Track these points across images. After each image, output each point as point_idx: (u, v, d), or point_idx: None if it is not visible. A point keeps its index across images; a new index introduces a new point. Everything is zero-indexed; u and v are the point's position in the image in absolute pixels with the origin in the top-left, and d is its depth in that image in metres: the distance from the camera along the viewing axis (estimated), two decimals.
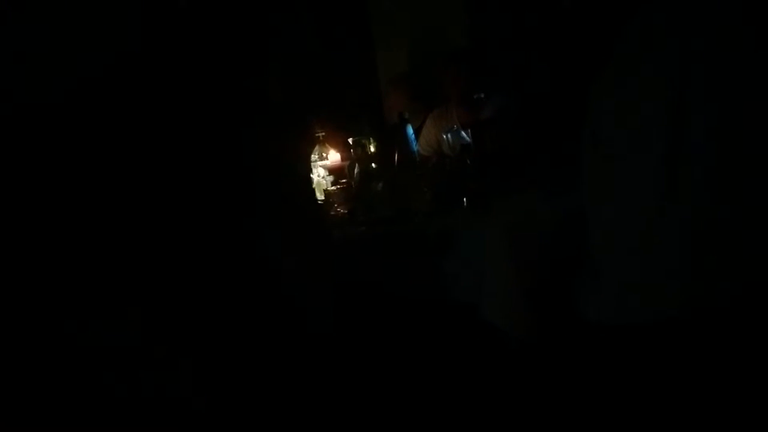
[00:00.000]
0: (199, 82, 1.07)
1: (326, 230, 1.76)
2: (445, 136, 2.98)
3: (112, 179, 0.98)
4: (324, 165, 2.72)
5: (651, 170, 1.32)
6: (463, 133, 2.72)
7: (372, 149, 2.63)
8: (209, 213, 1.04)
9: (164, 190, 1.01)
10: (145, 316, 0.99)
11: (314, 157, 2.75)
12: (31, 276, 0.96)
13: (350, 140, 2.70)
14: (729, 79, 1.28)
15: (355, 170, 2.63)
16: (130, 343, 0.99)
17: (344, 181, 2.62)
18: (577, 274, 1.59)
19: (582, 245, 1.54)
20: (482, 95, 3.10)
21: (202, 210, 1.04)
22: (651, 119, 1.33)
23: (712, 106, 1.28)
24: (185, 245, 1.02)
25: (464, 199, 2.31)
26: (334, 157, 2.73)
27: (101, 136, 0.98)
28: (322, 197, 2.59)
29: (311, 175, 2.67)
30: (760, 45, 1.27)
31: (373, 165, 2.59)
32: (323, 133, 2.79)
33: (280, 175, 1.16)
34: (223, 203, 1.05)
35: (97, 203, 0.98)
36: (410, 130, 2.56)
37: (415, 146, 2.62)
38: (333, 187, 2.60)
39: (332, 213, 2.49)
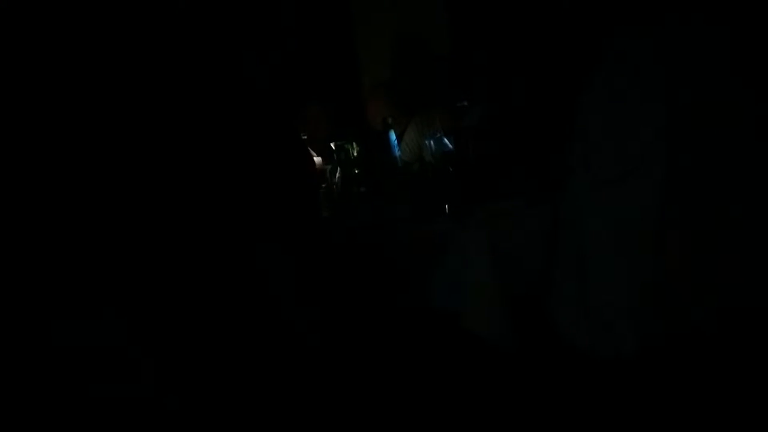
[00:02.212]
0: (198, 86, 1.07)
1: (320, 242, 1.76)
2: (427, 143, 2.99)
3: (104, 180, 0.97)
4: None
5: (648, 197, 1.32)
6: (446, 140, 2.73)
7: (355, 154, 2.62)
8: (202, 216, 1.03)
9: (158, 193, 1.00)
10: (133, 319, 0.98)
11: None
12: (16, 275, 0.95)
13: (333, 144, 2.69)
14: (719, 109, 1.28)
15: (337, 174, 2.62)
16: (115, 344, 0.97)
17: (325, 185, 2.61)
18: (560, 295, 1.59)
19: (565, 264, 1.54)
20: (465, 103, 3.10)
21: (195, 213, 1.03)
22: (645, 148, 1.32)
23: (702, 133, 1.28)
24: (177, 247, 1.01)
25: (446, 206, 2.31)
26: (315, 160, 2.72)
27: (95, 137, 0.97)
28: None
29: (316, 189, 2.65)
30: (747, 76, 1.28)
31: (356, 170, 2.58)
32: (305, 136, 2.78)
33: (277, 184, 1.15)
34: (217, 207, 1.04)
35: (90, 205, 0.96)
36: (393, 135, 2.56)
37: (397, 152, 2.61)
38: None
39: None
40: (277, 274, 1.10)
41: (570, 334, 1.53)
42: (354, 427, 1.48)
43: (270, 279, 1.10)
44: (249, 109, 1.12)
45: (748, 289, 1.29)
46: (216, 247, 1.04)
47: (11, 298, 0.94)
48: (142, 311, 1.00)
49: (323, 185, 2.60)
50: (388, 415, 1.98)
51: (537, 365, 1.94)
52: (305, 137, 2.78)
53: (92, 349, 0.98)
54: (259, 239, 1.08)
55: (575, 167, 1.50)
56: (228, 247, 1.06)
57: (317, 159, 2.73)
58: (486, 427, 2.01)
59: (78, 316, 0.96)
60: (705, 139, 1.29)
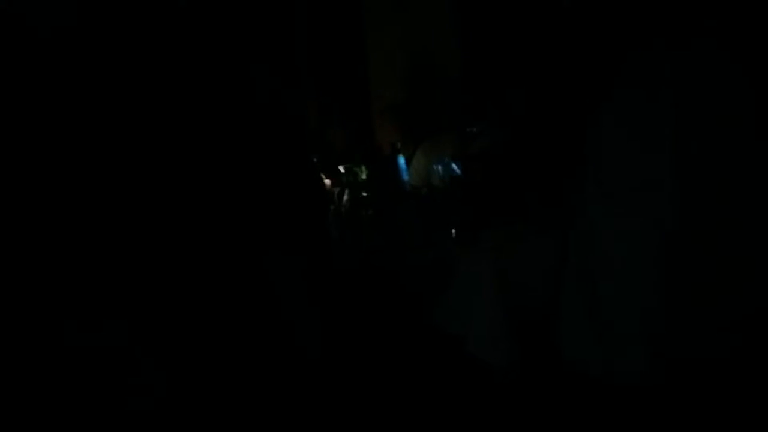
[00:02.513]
0: (203, 90, 1.08)
1: (327, 251, 1.76)
2: (435, 167, 3.00)
3: (107, 180, 0.98)
4: None
5: (660, 216, 1.32)
6: (454, 166, 2.74)
7: (363, 177, 2.64)
8: (209, 221, 1.04)
9: (166, 199, 1.01)
10: (139, 321, 0.98)
11: None
12: (23, 276, 0.95)
13: (341, 168, 2.71)
14: (727, 132, 1.29)
15: (345, 197, 2.64)
16: (121, 345, 0.98)
17: (333, 207, 2.63)
18: (570, 321, 1.57)
19: (575, 288, 1.53)
20: (474, 129, 3.12)
21: (202, 218, 1.03)
22: (656, 171, 1.33)
23: (713, 159, 1.29)
24: (184, 252, 1.01)
25: (453, 231, 2.32)
26: (324, 182, 2.74)
27: (107, 141, 0.98)
28: None
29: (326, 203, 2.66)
30: (758, 93, 1.29)
31: (364, 193, 2.60)
32: (315, 159, 2.79)
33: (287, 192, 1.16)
34: (223, 212, 1.05)
35: (93, 206, 0.97)
36: (402, 160, 2.58)
37: (406, 176, 2.63)
38: None
39: None
40: (283, 282, 1.11)
41: (580, 361, 1.52)
42: None
43: (276, 289, 1.10)
44: (255, 115, 1.13)
45: (760, 311, 1.28)
46: (222, 252, 1.05)
47: (20, 299, 0.95)
48: (148, 314, 1.00)
49: (332, 206, 2.61)
50: None
51: (543, 391, 1.93)
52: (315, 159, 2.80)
53: (99, 351, 0.98)
54: (265, 246, 1.08)
55: (587, 188, 1.50)
56: (234, 253, 1.06)
57: (326, 181, 2.74)
58: None
59: (87, 321, 0.97)
60: (717, 155, 1.29)
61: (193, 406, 1.03)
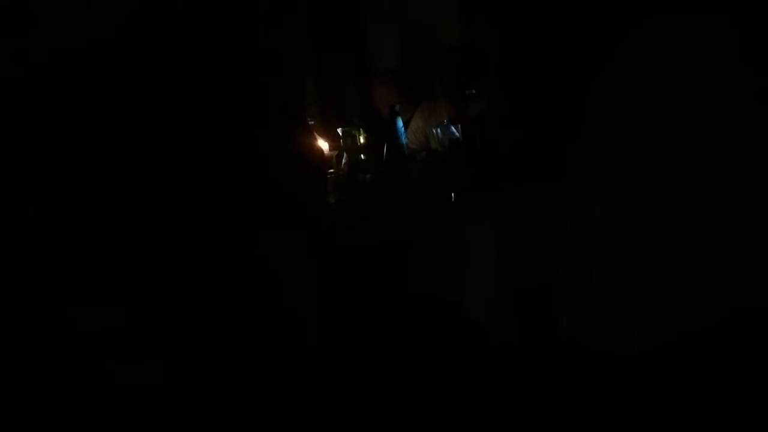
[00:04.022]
0: (202, 79, 1.06)
1: (321, 231, 1.75)
2: (434, 131, 2.97)
3: (110, 174, 0.97)
4: None
5: (653, 194, 1.31)
6: (453, 128, 2.72)
7: (361, 140, 2.61)
8: (205, 208, 1.03)
9: (162, 186, 1.00)
10: (136, 308, 0.98)
11: None
12: (25, 265, 0.95)
13: (340, 130, 2.68)
14: (727, 109, 1.27)
15: (343, 161, 2.61)
16: (121, 331, 0.98)
17: (331, 171, 2.60)
18: (565, 291, 1.58)
19: (569, 260, 1.53)
20: (473, 91, 3.09)
21: (198, 204, 1.02)
22: (652, 145, 1.31)
23: (712, 135, 1.27)
24: (179, 238, 1.00)
25: (452, 195, 2.30)
26: (322, 146, 2.71)
27: (101, 131, 0.97)
28: None
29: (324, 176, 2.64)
30: (758, 75, 1.26)
31: (362, 156, 2.57)
32: (312, 122, 2.76)
33: (281, 174, 1.14)
34: (219, 199, 1.04)
35: (95, 197, 0.96)
36: (400, 122, 2.55)
37: (404, 139, 2.60)
38: None
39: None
40: (279, 257, 1.10)
41: (575, 331, 1.52)
42: (352, 416, 1.48)
43: (271, 266, 1.09)
44: (250, 97, 1.11)
45: (751, 288, 1.28)
46: (216, 232, 1.04)
47: (22, 288, 0.95)
48: (145, 297, 1.00)
49: (331, 170, 2.59)
50: (384, 404, 1.98)
51: (539, 357, 1.94)
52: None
53: (99, 336, 0.98)
54: (259, 222, 1.07)
55: (582, 162, 1.49)
56: (228, 234, 1.05)
57: (324, 145, 2.72)
58: (487, 418, 2.01)
59: (86, 306, 0.97)
60: (713, 138, 1.28)
61: (191, 388, 1.03)
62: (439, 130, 2.88)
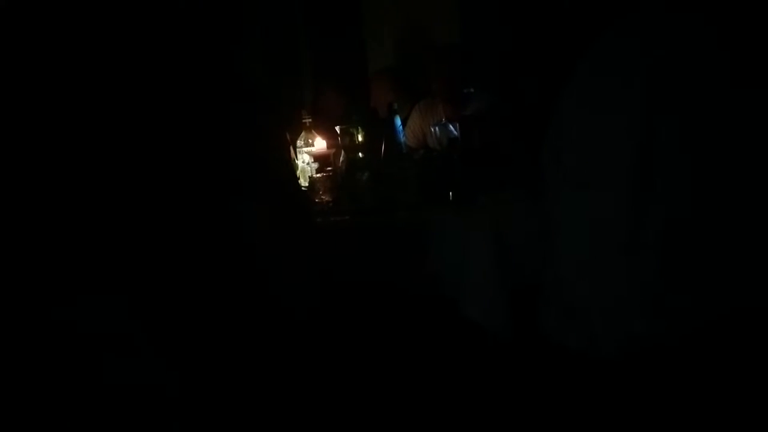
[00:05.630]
0: (184, 65, 1.06)
1: (309, 211, 1.74)
2: (432, 129, 2.98)
3: (96, 165, 0.97)
4: (309, 152, 2.70)
5: (619, 205, 1.30)
6: (451, 127, 2.72)
7: (360, 138, 2.61)
8: (191, 192, 1.02)
9: (146, 171, 0.99)
10: (128, 299, 0.98)
11: (300, 143, 2.73)
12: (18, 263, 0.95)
13: (338, 128, 2.68)
14: (699, 118, 1.26)
15: (341, 159, 2.61)
16: (113, 325, 0.98)
17: (329, 169, 2.60)
18: (546, 293, 1.57)
19: (548, 262, 1.52)
20: (471, 90, 3.09)
21: (183, 189, 1.02)
22: (617, 157, 1.30)
23: (681, 146, 1.26)
24: (165, 225, 1.00)
25: (450, 193, 2.31)
26: (320, 144, 2.71)
27: (84, 124, 0.97)
28: (306, 184, 2.57)
29: (295, 161, 2.65)
30: (734, 79, 1.26)
31: (360, 154, 2.57)
32: (310, 119, 2.76)
33: (263, 156, 1.14)
34: (204, 183, 1.03)
35: (79, 188, 0.96)
36: (398, 121, 2.55)
37: (402, 137, 2.61)
38: (318, 175, 2.58)
39: (316, 201, 2.47)
40: (254, 230, 1.09)
41: (556, 333, 1.51)
42: (345, 407, 1.48)
43: (246, 237, 1.08)
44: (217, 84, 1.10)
45: (730, 294, 1.28)
46: (188, 208, 1.03)
47: (12, 286, 0.95)
48: (135, 291, 1.00)
49: (328, 169, 2.59)
50: (381, 402, 1.98)
51: (534, 357, 1.95)
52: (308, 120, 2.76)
53: (100, 329, 0.98)
54: (232, 199, 1.06)
55: (548, 164, 1.47)
56: (201, 208, 1.04)
57: (321, 143, 2.72)
58: (483, 416, 2.02)
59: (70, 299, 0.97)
60: (683, 141, 1.27)
61: (182, 375, 1.03)
62: (437, 128, 2.88)
